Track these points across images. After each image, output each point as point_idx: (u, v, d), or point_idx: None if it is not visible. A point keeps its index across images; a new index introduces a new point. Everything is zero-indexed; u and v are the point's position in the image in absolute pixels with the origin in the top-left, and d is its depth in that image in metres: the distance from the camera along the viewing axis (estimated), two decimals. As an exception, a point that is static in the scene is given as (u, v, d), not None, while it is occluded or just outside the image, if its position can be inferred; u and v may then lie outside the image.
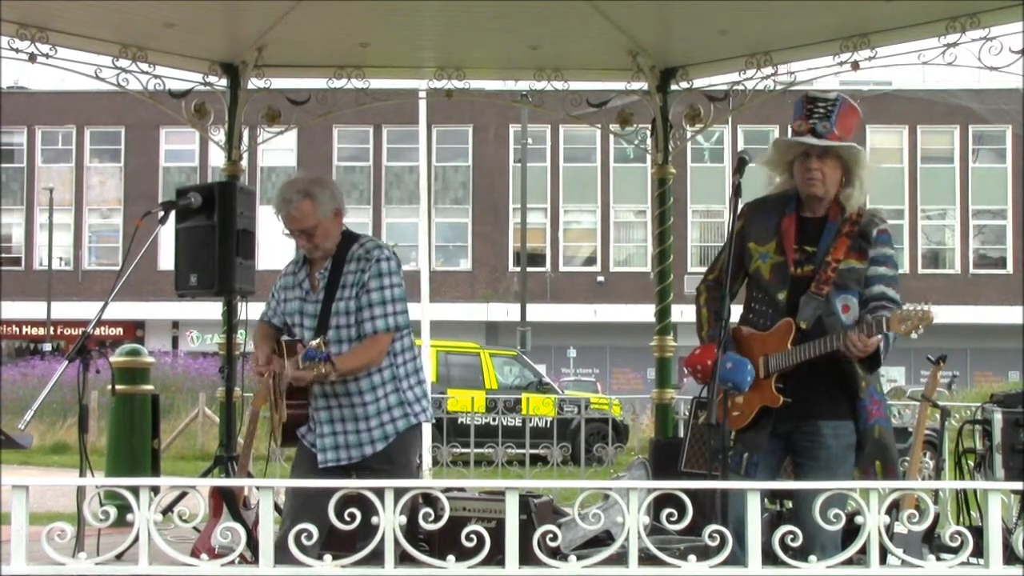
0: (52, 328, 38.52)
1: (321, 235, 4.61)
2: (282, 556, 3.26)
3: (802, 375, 4.15)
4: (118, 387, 8.19)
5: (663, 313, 8.12)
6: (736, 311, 4.33)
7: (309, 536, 3.21)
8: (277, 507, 4.23)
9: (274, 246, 4.85)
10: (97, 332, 4.90)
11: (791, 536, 3.24)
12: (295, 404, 4.69)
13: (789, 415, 4.20)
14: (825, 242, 4.23)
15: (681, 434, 8.02)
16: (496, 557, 3.21)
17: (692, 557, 3.23)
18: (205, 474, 7.32)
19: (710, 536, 3.22)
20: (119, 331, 37.10)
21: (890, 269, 4.25)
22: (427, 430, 12.45)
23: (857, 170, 4.25)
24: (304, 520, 3.31)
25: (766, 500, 3.89)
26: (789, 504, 6.65)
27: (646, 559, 3.23)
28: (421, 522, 3.37)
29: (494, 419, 11.22)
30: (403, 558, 3.26)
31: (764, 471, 4.25)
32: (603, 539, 6.00)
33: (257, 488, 4.92)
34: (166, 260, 25.55)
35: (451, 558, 3.21)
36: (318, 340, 4.41)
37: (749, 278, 4.42)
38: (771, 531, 3.36)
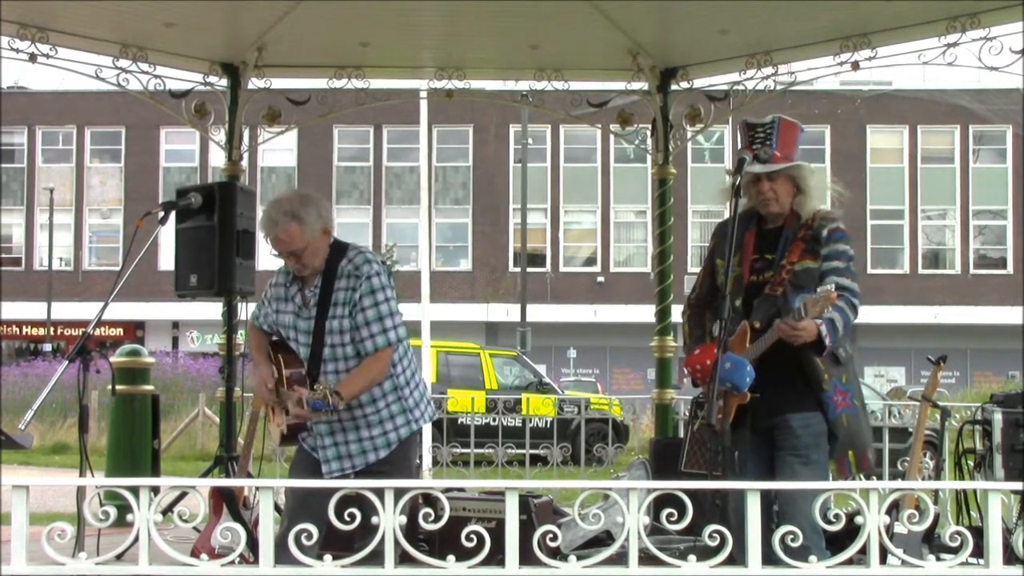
0: (52, 328, 38.51)
1: (309, 255, 4.56)
2: (281, 556, 3.26)
3: (769, 373, 4.33)
4: (118, 387, 8.19)
5: (663, 313, 8.12)
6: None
7: (309, 536, 3.21)
8: (277, 507, 4.23)
9: (274, 246, 4.82)
10: (97, 332, 4.90)
11: (791, 536, 3.24)
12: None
13: (764, 412, 4.40)
14: (781, 248, 4.50)
15: (681, 434, 8.02)
16: (496, 557, 3.21)
17: (692, 557, 3.23)
18: (205, 474, 7.31)
19: (710, 536, 3.22)
20: (119, 331, 37.11)
21: (841, 262, 4.48)
22: (427, 430, 12.42)
23: (807, 181, 4.52)
24: (303, 520, 3.31)
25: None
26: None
27: (646, 559, 3.23)
28: (421, 522, 3.37)
29: (494, 419, 11.21)
30: (403, 558, 3.26)
31: (755, 467, 4.44)
32: (603, 539, 6.00)
33: (257, 488, 4.93)
34: (166, 260, 25.59)
35: (451, 558, 3.21)
36: (321, 388, 4.35)
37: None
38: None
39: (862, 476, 5.79)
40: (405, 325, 4.68)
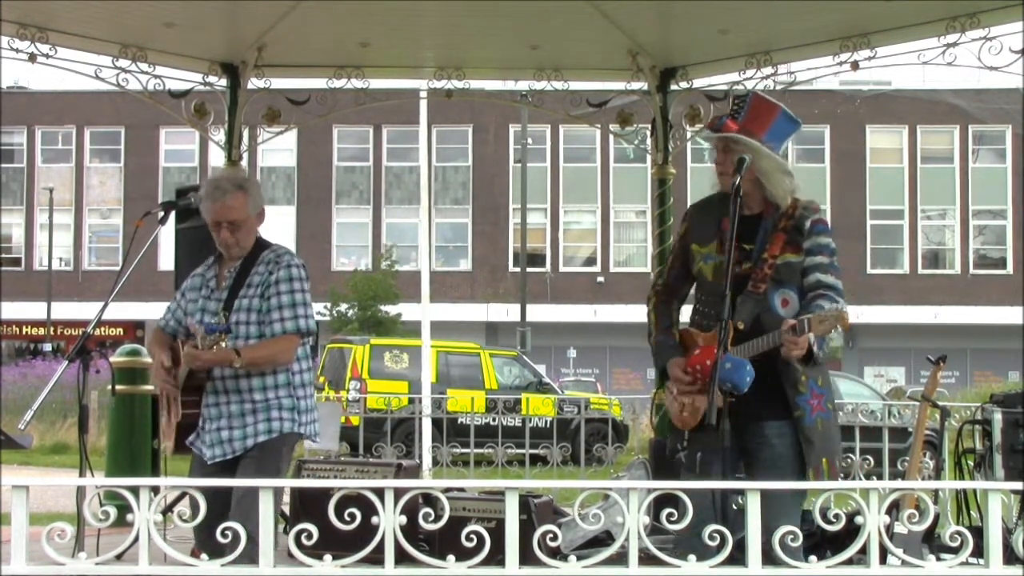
0: (52, 328, 38.51)
1: (245, 231, 4.69)
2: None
3: None
4: (118, 387, 8.18)
5: (663, 313, 8.10)
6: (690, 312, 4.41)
7: (309, 536, 3.22)
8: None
9: (273, 246, 4.89)
10: (97, 332, 4.90)
11: (791, 536, 3.25)
12: (189, 402, 4.71)
13: (736, 414, 4.09)
14: (761, 239, 4.24)
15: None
16: (496, 557, 3.21)
17: (692, 557, 3.23)
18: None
19: (710, 536, 3.22)
20: (119, 331, 37.09)
21: (826, 257, 4.25)
22: (427, 430, 12.42)
23: (758, 163, 4.23)
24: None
25: (739, 499, 3.86)
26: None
27: (646, 559, 3.23)
28: (421, 522, 3.37)
29: (494, 419, 11.18)
30: (403, 558, 3.26)
31: (719, 468, 4.15)
32: (603, 539, 5.99)
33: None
34: (166, 260, 25.57)
35: (451, 558, 3.21)
36: (219, 315, 4.44)
37: (695, 280, 4.46)
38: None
39: None
40: (316, 324, 4.77)
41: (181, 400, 4.70)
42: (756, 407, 4.13)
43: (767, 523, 3.28)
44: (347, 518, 3.23)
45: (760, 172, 4.25)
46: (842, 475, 4.33)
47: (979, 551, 3.28)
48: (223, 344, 4.41)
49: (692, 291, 4.53)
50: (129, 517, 3.19)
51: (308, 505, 5.82)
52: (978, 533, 3.29)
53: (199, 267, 4.91)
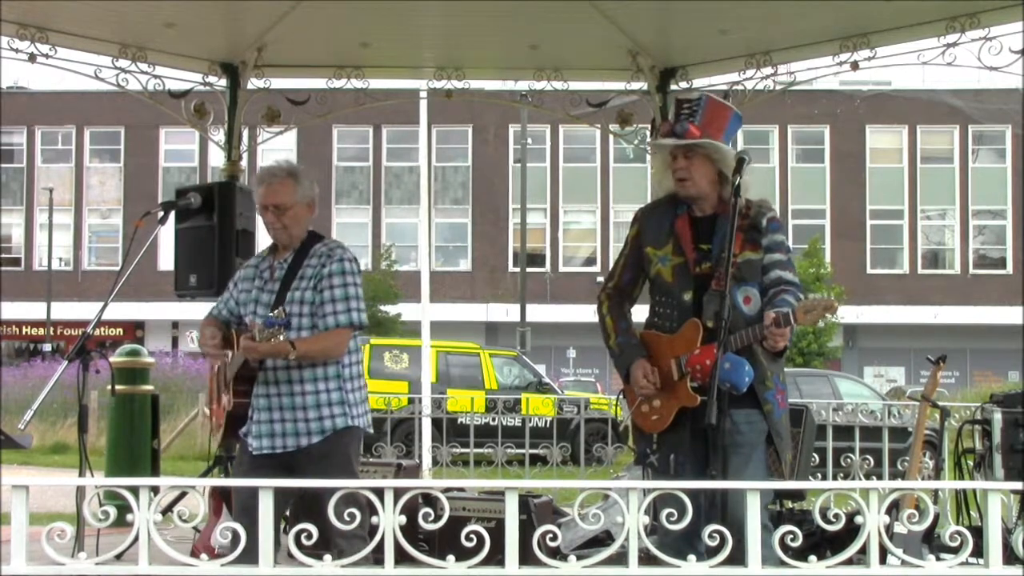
0: (52, 328, 38.51)
1: (291, 218, 4.71)
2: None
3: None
4: (118, 387, 8.18)
5: (663, 313, 8.10)
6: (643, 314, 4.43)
7: (309, 536, 3.22)
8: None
9: (274, 246, 4.91)
10: (97, 332, 4.91)
11: (791, 536, 3.25)
12: (241, 391, 4.74)
13: (705, 411, 4.04)
14: (719, 238, 4.26)
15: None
16: (496, 557, 3.21)
17: (692, 557, 3.24)
18: (205, 474, 7.31)
19: (710, 536, 3.22)
20: (119, 331, 37.11)
21: (783, 254, 4.32)
22: (427, 430, 12.42)
23: (726, 164, 4.28)
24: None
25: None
26: (789, 504, 6.69)
27: (646, 559, 3.23)
28: (421, 522, 3.37)
29: (494, 419, 11.20)
30: (403, 558, 3.26)
31: (692, 469, 4.19)
32: (603, 539, 6.00)
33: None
34: (166, 260, 25.57)
35: (451, 558, 3.21)
36: (278, 309, 4.44)
37: (650, 283, 4.46)
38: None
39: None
40: (367, 316, 4.79)
41: (233, 389, 4.74)
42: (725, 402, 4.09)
43: (739, 513, 3.30)
44: (347, 518, 3.23)
45: (724, 173, 4.29)
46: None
47: (979, 551, 3.28)
48: (280, 338, 4.43)
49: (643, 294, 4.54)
50: (129, 517, 3.19)
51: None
52: (978, 533, 3.29)
53: (251, 259, 4.95)
